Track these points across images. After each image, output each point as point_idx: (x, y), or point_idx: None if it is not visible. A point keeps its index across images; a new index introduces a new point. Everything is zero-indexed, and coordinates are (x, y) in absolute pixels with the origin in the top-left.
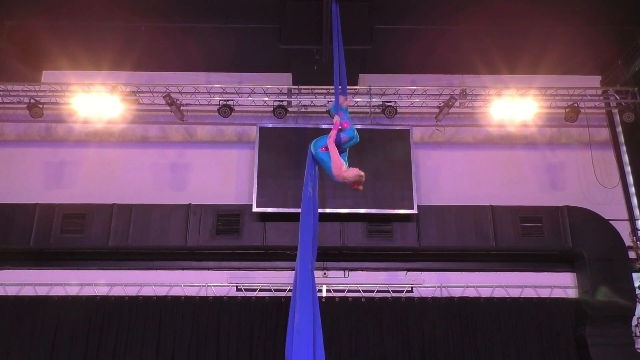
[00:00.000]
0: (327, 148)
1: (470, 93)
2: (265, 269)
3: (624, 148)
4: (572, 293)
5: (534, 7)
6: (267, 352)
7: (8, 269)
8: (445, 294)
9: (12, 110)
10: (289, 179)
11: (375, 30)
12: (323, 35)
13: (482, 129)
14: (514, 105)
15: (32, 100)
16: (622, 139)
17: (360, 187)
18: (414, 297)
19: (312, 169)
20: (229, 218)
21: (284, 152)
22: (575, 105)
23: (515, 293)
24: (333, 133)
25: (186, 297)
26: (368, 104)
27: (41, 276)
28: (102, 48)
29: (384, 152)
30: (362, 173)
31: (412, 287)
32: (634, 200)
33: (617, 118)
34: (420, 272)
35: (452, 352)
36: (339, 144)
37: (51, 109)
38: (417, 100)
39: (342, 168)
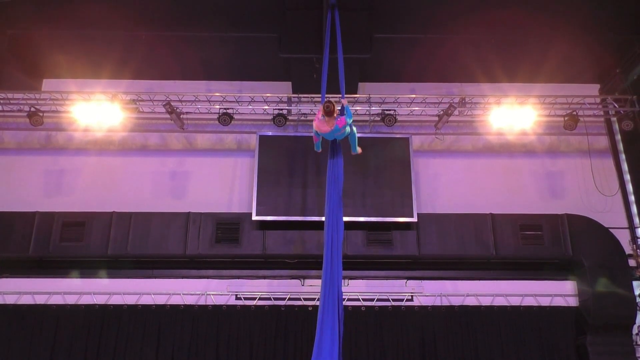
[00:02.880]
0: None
1: (470, 101)
2: (264, 277)
3: (623, 156)
4: (572, 301)
5: (533, 16)
6: None
7: (7, 277)
8: (445, 303)
9: (13, 119)
10: (289, 187)
11: (375, 39)
12: (323, 44)
13: (482, 137)
14: (513, 114)
15: (33, 109)
16: (621, 147)
17: (334, 109)
18: (414, 306)
19: (331, 173)
20: (228, 226)
21: (284, 160)
22: (574, 113)
23: (515, 301)
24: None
25: (185, 305)
26: (367, 112)
27: (40, 284)
28: (102, 57)
29: (384, 160)
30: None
31: (412, 296)
32: (634, 209)
33: (616, 126)
34: (420, 281)
35: None
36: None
37: (51, 117)
38: (417, 108)
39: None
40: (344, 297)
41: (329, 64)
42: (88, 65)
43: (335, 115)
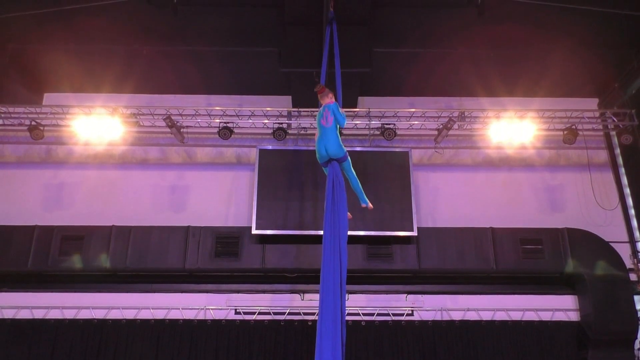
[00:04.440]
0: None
1: (469, 115)
2: (264, 291)
3: (622, 170)
4: (573, 316)
5: (531, 31)
6: None
7: (5, 291)
8: (446, 317)
9: (13, 132)
10: (289, 200)
11: (375, 54)
12: (322, 59)
13: (481, 151)
14: (512, 128)
15: (33, 123)
16: (620, 160)
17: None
18: (415, 321)
19: (330, 179)
20: (228, 240)
21: (284, 174)
22: (573, 127)
23: (516, 316)
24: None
25: (184, 320)
26: (367, 126)
27: (38, 299)
28: (103, 71)
29: (383, 174)
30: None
31: (412, 310)
32: (634, 222)
33: (615, 140)
34: (420, 295)
35: None
36: None
37: (52, 131)
38: (416, 122)
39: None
40: None
41: (327, 77)
42: (89, 79)
43: (329, 97)
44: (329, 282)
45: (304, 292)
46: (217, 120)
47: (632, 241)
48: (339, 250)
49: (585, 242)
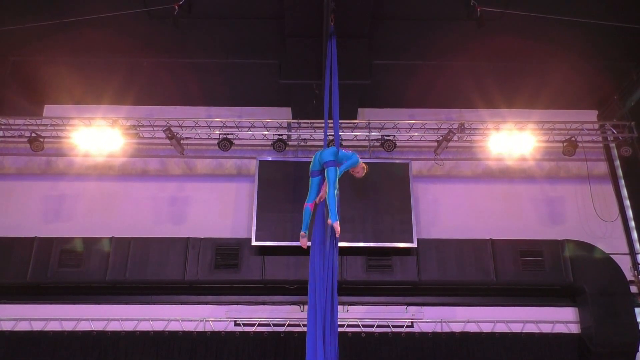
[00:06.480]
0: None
1: (469, 127)
2: (264, 303)
3: (622, 182)
4: (574, 328)
5: (531, 43)
6: None
7: (4, 303)
8: (446, 329)
9: (13, 144)
10: (289, 212)
11: (375, 66)
12: (322, 71)
13: (481, 163)
14: (512, 139)
15: (33, 134)
16: (620, 172)
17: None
18: (415, 332)
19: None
20: (227, 252)
21: (284, 185)
22: (573, 139)
23: (516, 328)
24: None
25: (184, 332)
26: (367, 138)
27: (37, 311)
28: (103, 83)
29: (383, 185)
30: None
31: (412, 322)
32: (634, 234)
33: (615, 152)
34: (420, 307)
35: None
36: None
37: (52, 143)
38: (416, 134)
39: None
40: (343, 323)
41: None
42: (89, 91)
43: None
44: (315, 293)
45: (304, 303)
46: (217, 132)
47: (632, 253)
48: (331, 265)
49: (585, 254)
